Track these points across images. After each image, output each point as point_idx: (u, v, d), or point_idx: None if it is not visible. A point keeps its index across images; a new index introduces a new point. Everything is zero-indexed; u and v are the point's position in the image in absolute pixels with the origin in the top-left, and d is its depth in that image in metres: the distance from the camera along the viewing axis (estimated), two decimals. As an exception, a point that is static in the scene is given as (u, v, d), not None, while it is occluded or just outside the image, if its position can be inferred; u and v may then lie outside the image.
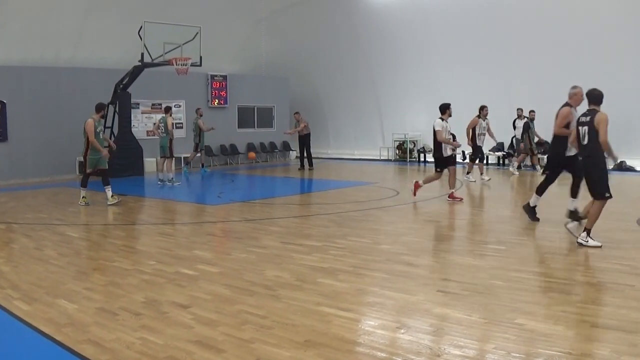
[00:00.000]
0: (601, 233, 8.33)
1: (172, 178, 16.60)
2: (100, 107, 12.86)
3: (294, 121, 27.26)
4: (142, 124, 21.10)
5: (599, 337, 4.63)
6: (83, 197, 12.71)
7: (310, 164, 21.19)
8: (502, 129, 21.38)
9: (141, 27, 17.38)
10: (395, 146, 24.87)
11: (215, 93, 23.59)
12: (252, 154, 22.86)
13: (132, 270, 7.05)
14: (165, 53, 17.92)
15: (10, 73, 17.80)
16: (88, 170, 12.59)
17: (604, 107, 7.83)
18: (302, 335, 4.81)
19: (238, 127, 24.55)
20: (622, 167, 18.80)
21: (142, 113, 21.13)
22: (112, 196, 12.56)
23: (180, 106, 22.27)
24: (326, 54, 25.75)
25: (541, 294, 5.82)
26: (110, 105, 18.87)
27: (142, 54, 17.59)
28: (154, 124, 18.14)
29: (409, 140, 24.33)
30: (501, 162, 21.63)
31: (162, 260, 7.61)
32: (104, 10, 19.36)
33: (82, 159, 19.52)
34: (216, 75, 23.62)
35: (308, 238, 8.89)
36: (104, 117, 13.17)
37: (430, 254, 7.70)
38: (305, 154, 21.14)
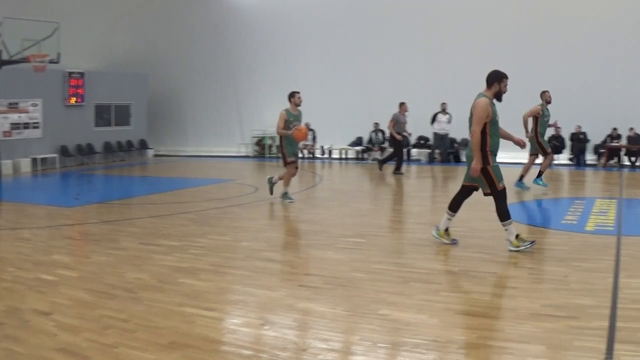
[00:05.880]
0: (463, 223, 8.63)
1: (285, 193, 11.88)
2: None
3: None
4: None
5: (464, 324, 4.77)
6: (521, 238, 7.29)
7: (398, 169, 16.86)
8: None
9: (0, 23, 16.18)
10: (254, 142, 24.88)
11: (73, 91, 22.14)
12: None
13: (-12, 278, 6.53)
14: (24, 50, 16.81)
15: None
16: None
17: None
18: (166, 337, 4.68)
19: (95, 126, 23.35)
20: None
21: (-1, 112, 19.49)
22: (517, 237, 7.24)
23: (37, 105, 20.81)
24: (186, 50, 25.32)
25: (403, 284, 5.94)
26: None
27: (1, 51, 16.41)
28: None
29: (268, 137, 24.38)
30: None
31: (21, 266, 7.18)
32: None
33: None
34: (73, 72, 22.26)
35: (167, 238, 8.63)
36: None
37: (291, 249, 7.69)
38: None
